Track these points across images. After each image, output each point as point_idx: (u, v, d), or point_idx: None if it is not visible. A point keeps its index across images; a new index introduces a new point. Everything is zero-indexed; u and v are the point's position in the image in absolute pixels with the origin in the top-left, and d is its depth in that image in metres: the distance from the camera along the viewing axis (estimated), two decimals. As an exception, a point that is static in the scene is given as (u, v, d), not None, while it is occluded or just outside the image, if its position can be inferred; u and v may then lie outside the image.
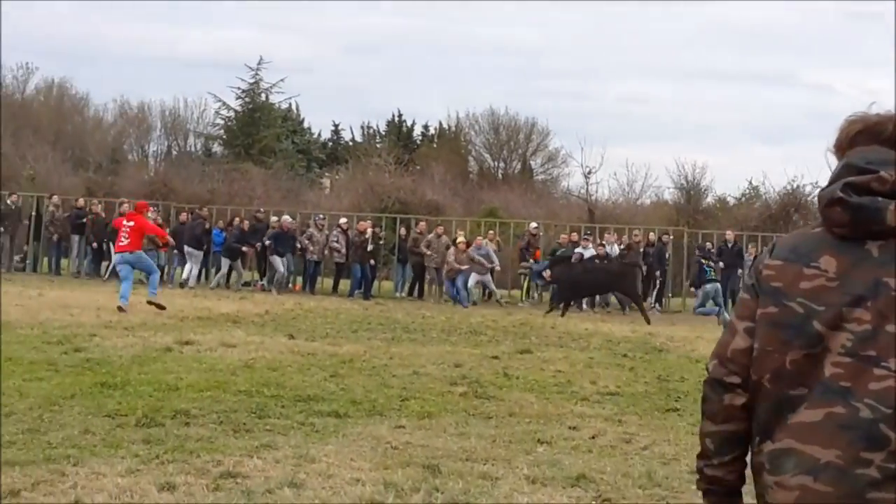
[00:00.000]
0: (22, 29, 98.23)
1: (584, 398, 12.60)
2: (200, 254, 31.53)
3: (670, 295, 34.16)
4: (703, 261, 28.93)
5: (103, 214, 33.00)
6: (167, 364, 13.39)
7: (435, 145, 72.60)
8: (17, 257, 33.78)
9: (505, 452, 9.23)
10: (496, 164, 74.38)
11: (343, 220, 33.42)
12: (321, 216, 34.55)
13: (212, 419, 9.91)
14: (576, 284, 28.52)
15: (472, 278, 30.39)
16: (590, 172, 52.69)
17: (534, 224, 33.47)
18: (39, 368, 12.40)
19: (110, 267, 28.21)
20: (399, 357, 15.56)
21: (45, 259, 34.07)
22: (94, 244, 32.47)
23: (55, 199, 34.11)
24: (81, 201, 34.21)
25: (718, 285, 28.22)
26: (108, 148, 68.27)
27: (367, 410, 10.88)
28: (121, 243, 22.33)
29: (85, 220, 32.75)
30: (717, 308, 28.04)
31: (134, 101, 76.39)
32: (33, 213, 34.68)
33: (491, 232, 34.89)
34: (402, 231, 34.30)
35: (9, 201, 32.96)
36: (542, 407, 11.71)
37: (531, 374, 14.47)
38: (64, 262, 33.81)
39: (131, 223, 22.41)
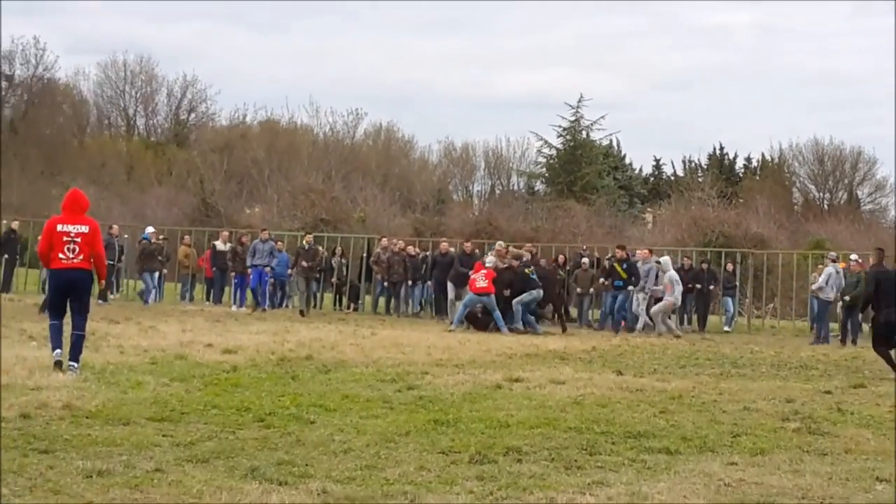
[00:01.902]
0: (351, 76, 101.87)
1: (925, 434, 12.12)
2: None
3: None
4: (526, 270, 27.89)
5: (414, 253, 33.91)
6: (497, 401, 13.53)
7: (758, 178, 71.41)
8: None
9: (842, 490, 8.96)
10: (821, 194, 72.73)
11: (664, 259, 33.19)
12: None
13: (543, 456, 9.96)
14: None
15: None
16: (919, 201, 50.94)
17: (854, 256, 32.18)
18: (375, 406, 12.74)
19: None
20: (728, 392, 15.29)
21: (373, 299, 35.19)
22: (385, 283, 33.60)
23: (384, 241, 35.03)
24: (384, 241, 35.08)
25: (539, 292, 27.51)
26: (433, 189, 69.79)
27: (697, 447, 10.74)
28: (480, 285, 27.23)
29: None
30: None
31: (458, 142, 78.01)
32: (364, 255, 35.88)
33: (820, 266, 34.00)
34: (730, 267, 33.78)
35: (304, 243, 33.61)
36: (879, 443, 11.31)
37: (866, 409, 13.99)
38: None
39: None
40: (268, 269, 32.09)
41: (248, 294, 33.52)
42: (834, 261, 29.92)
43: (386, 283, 33.63)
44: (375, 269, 34.11)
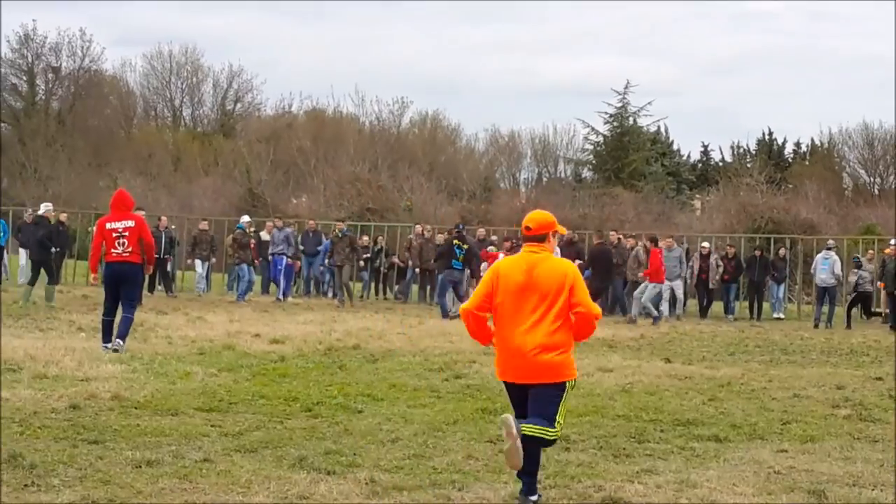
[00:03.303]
0: (398, 65, 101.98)
1: (978, 421, 11.99)
2: None
3: None
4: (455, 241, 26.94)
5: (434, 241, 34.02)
6: (545, 389, 13.51)
7: (807, 163, 70.91)
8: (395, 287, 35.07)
9: (894, 478, 8.89)
10: (871, 179, 72.02)
11: (705, 244, 32.92)
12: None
13: (591, 444, 9.95)
14: None
15: None
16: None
17: (893, 241, 31.54)
18: (423, 395, 12.75)
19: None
20: (778, 379, 15.23)
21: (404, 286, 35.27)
22: (416, 270, 33.82)
23: (418, 228, 35.02)
24: (418, 228, 35.04)
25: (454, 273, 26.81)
26: (480, 177, 69.65)
27: (747, 434, 10.70)
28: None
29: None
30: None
31: (504, 130, 77.85)
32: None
33: (870, 251, 33.71)
34: (782, 251, 33.41)
35: (337, 230, 33.11)
36: (931, 430, 11.23)
37: (919, 395, 13.89)
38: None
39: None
40: (287, 258, 32.20)
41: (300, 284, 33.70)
42: (829, 248, 29.88)
43: (417, 271, 33.66)
44: (406, 256, 34.30)
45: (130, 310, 16.04)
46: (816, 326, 27.66)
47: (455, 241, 26.62)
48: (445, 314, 25.72)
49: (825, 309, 28.65)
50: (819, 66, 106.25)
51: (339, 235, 31.37)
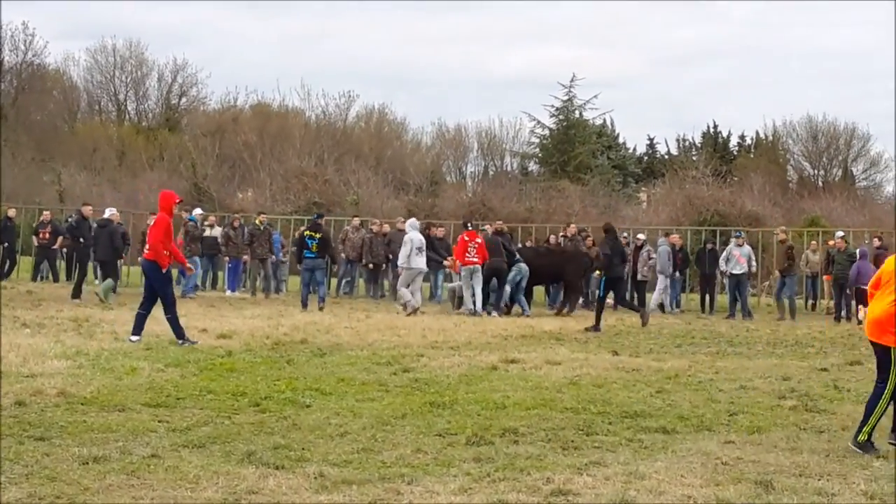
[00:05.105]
0: (344, 59, 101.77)
1: (922, 411, 12.10)
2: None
3: None
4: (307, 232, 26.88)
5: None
6: (493, 383, 13.54)
7: (752, 155, 71.43)
8: (345, 280, 34.67)
9: (840, 468, 8.97)
10: (816, 171, 72.71)
11: (640, 236, 33.02)
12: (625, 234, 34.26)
13: (540, 437, 9.97)
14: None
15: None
16: (914, 177, 50.94)
17: (839, 233, 31.63)
18: (371, 389, 12.73)
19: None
20: (725, 371, 15.33)
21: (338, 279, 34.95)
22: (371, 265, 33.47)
23: (356, 220, 34.87)
24: (356, 221, 34.86)
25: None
26: (426, 170, 69.67)
27: (694, 426, 10.75)
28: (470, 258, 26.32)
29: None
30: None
31: (450, 124, 78.02)
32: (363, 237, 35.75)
33: (813, 242, 34.00)
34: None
35: (258, 223, 32.65)
36: (876, 420, 11.32)
37: (863, 386, 13.98)
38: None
39: (479, 241, 26.78)
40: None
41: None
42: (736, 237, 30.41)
43: (367, 265, 33.30)
44: (339, 249, 33.43)
45: (167, 309, 16.80)
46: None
47: (307, 233, 26.63)
48: (305, 304, 25.92)
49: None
50: (764, 58, 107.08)
51: (261, 229, 31.36)
